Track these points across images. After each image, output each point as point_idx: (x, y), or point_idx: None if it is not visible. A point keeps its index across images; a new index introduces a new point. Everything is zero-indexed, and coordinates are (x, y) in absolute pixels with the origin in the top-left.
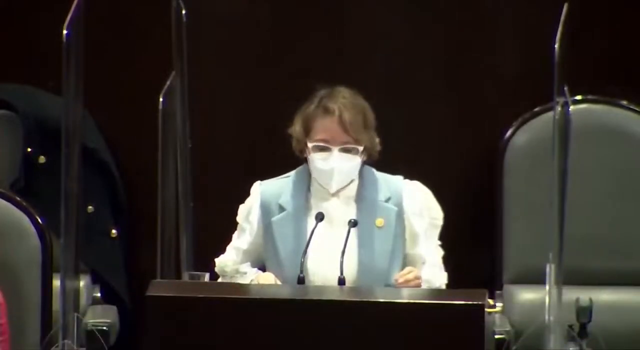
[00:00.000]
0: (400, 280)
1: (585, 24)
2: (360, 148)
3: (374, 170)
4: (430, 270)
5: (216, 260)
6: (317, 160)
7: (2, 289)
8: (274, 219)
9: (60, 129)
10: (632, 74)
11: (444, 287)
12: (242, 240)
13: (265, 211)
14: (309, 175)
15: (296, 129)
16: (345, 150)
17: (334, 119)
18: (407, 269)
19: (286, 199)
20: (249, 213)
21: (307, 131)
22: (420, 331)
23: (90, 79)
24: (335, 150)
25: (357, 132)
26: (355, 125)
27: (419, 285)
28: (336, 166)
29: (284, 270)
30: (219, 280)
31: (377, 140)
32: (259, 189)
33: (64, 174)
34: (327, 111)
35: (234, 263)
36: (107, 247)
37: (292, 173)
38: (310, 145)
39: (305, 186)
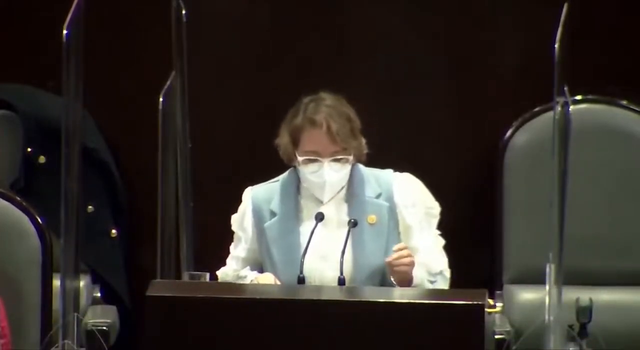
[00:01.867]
0: (393, 258)
1: (585, 24)
2: (350, 157)
3: (361, 167)
4: (426, 254)
5: (217, 273)
6: (308, 174)
7: (2, 288)
8: (266, 224)
9: (60, 129)
10: (632, 74)
11: (445, 270)
12: (239, 248)
13: (258, 217)
14: (298, 178)
15: (283, 141)
16: (336, 160)
17: (322, 130)
18: (397, 246)
19: (277, 204)
20: (242, 220)
21: (295, 143)
22: (420, 331)
23: (90, 79)
24: (326, 162)
25: (345, 141)
26: (343, 135)
27: (412, 263)
28: (328, 179)
29: (280, 274)
30: None
31: (364, 142)
32: (249, 194)
33: (64, 174)
34: (314, 123)
35: (235, 271)
36: (107, 247)
37: (281, 177)
38: (300, 158)
39: (294, 189)
